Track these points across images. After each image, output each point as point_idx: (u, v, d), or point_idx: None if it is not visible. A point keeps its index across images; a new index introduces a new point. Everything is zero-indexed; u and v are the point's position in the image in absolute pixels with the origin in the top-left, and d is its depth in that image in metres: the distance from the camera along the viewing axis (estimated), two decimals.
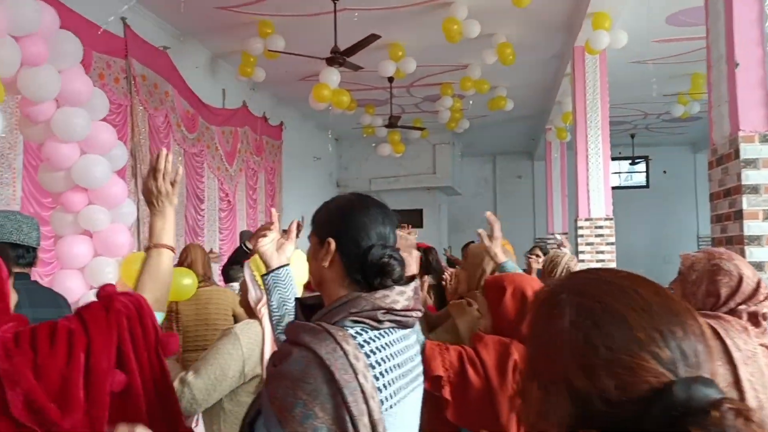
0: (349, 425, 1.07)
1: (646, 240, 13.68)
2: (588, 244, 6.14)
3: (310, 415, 1.06)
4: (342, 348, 1.12)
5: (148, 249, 1.53)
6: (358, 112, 9.19)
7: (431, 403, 1.41)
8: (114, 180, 3.09)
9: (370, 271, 1.24)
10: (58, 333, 1.20)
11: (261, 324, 2.01)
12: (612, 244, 6.18)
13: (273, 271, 1.70)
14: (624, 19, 5.85)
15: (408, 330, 1.29)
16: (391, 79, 7.99)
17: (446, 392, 1.69)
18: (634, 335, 0.72)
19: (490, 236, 2.35)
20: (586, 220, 6.21)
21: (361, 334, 1.18)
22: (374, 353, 1.17)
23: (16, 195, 4.17)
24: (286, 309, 1.65)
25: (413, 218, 12.64)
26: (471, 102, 9.12)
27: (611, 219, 6.25)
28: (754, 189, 2.14)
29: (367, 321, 1.20)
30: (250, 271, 2.06)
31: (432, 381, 1.68)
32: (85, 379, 1.17)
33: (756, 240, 2.15)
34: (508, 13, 6.05)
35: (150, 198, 1.55)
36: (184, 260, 3.16)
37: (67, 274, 2.98)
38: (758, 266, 2.16)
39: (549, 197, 11.28)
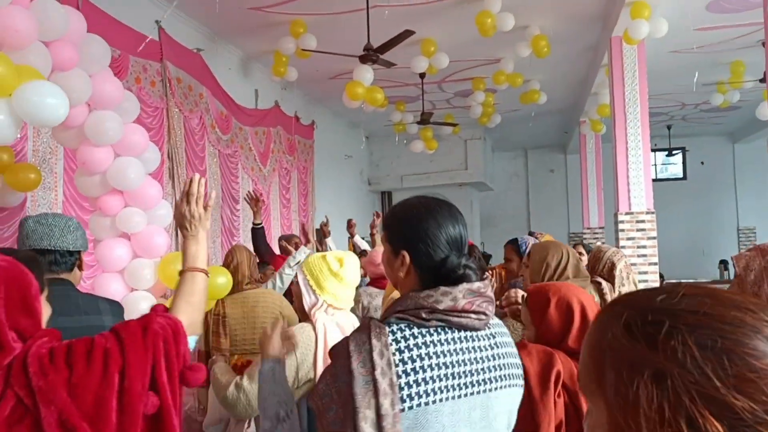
0: (352, 413, 1.14)
1: (683, 233, 13.34)
2: (629, 238, 6.00)
3: (328, 394, 1.18)
4: (370, 342, 1.18)
5: (182, 273, 1.55)
6: (388, 110, 9.13)
7: None
8: (149, 182, 3.10)
9: (444, 282, 1.26)
10: (94, 351, 1.21)
11: (314, 328, 1.99)
12: (654, 238, 6.02)
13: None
14: (663, 8, 5.69)
15: (473, 332, 1.27)
16: (422, 75, 7.91)
17: None
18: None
19: None
20: (627, 214, 6.06)
21: (402, 330, 1.21)
22: (411, 349, 1.19)
23: (58, 199, 4.22)
24: None
25: None
26: (503, 96, 9.00)
27: (653, 213, 6.10)
28: None
29: (411, 318, 1.23)
30: (304, 275, 2.04)
31: None
32: (118, 401, 1.18)
33: None
34: (543, 4, 5.94)
35: (183, 222, 1.58)
36: (230, 263, 3.15)
37: (107, 278, 2.99)
38: None
39: (584, 191, 11.08)
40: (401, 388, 1.17)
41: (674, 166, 14.23)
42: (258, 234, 5.26)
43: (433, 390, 1.19)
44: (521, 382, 1.36)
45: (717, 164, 13.72)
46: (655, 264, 5.98)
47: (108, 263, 2.94)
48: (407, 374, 1.18)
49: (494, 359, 1.28)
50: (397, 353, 1.19)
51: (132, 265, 2.97)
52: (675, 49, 7.37)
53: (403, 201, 1.40)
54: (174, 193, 5.35)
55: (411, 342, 1.21)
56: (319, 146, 9.77)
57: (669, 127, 12.35)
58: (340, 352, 1.22)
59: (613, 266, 3.13)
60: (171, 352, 1.28)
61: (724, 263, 12.36)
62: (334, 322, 2.03)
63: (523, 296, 2.00)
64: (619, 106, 6.18)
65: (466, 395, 1.23)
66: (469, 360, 1.25)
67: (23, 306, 1.17)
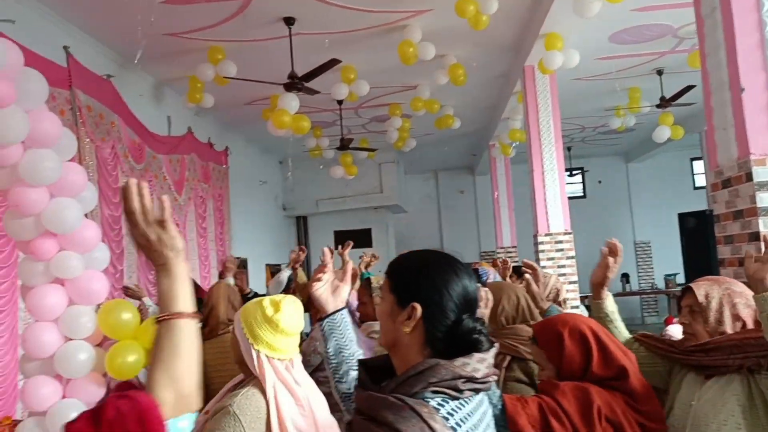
0: None
1: (584, 249, 14.04)
2: (549, 258, 6.25)
3: None
4: (430, 427, 1.06)
5: (157, 322, 1.13)
6: (305, 135, 9.06)
7: None
8: (86, 223, 2.88)
9: (456, 345, 1.18)
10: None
11: (264, 393, 1.80)
12: (572, 257, 6.31)
13: (329, 316, 1.50)
14: (572, 39, 6.03)
15: (481, 393, 1.24)
16: (340, 101, 7.95)
17: None
18: None
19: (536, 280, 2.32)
20: (546, 235, 6.32)
21: (443, 406, 1.12)
22: (459, 426, 1.12)
23: None
24: (343, 356, 1.48)
25: (362, 238, 12.59)
26: (418, 121, 9.18)
27: (570, 233, 6.39)
28: None
29: (448, 391, 1.14)
30: (239, 323, 1.91)
31: None
32: None
33: None
34: (461, 34, 6.12)
35: (146, 253, 1.15)
36: (205, 305, 2.95)
37: (40, 327, 2.74)
38: None
39: (496, 212, 11.46)
40: None
41: (574, 185, 15.02)
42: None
43: None
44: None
45: (613, 182, 14.63)
46: (575, 282, 6.25)
47: (41, 312, 2.69)
48: None
49: (491, 418, 1.28)
50: (456, 430, 1.11)
51: (68, 313, 2.73)
52: (578, 76, 7.82)
53: (412, 252, 1.33)
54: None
55: (457, 416, 1.13)
56: (233, 172, 9.54)
57: (569, 149, 13.05)
58: None
59: (558, 293, 3.24)
60: None
61: (625, 276, 13.15)
62: (287, 384, 1.84)
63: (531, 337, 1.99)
64: (534, 131, 6.47)
65: None
66: (487, 425, 1.23)
67: None
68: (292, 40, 5.64)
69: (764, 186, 2.21)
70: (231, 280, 4.87)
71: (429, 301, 1.20)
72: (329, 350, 1.49)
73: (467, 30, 5.45)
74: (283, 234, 12.50)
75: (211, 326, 2.90)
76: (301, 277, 4.81)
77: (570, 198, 14.83)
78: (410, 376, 1.15)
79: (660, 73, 7.81)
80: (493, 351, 1.21)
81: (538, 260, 6.33)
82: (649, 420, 1.68)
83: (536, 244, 6.38)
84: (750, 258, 1.74)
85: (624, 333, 2.21)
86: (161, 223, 1.13)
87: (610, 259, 2.15)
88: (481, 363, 1.17)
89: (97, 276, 2.90)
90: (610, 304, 2.21)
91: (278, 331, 1.85)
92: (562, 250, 6.26)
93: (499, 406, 1.54)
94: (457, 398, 1.14)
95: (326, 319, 1.50)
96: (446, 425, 1.08)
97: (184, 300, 1.14)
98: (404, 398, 1.11)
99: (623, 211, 14.52)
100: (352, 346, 1.48)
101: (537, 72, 6.35)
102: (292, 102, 5.65)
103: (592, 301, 2.26)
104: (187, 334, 1.12)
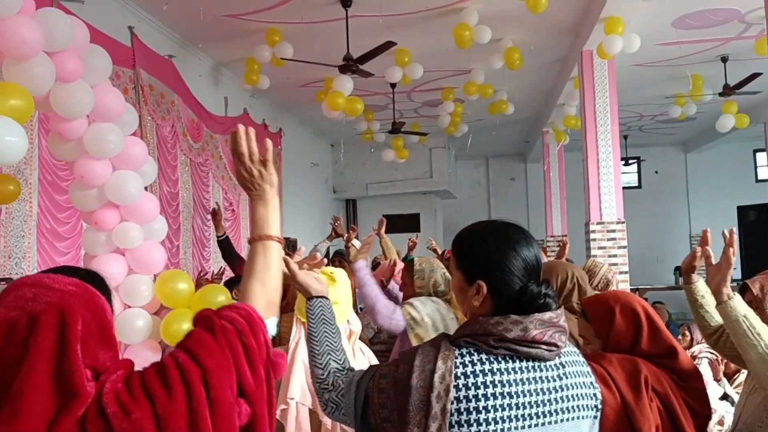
0: (402, 425, 1.22)
1: (639, 241, 13.69)
2: (600, 248, 6.14)
3: (384, 391, 1.26)
4: (435, 362, 1.22)
5: (251, 242, 1.31)
6: (356, 118, 9.12)
7: None
8: (146, 196, 3.00)
9: (527, 309, 1.24)
10: (168, 373, 1.01)
11: None
12: (624, 247, 6.19)
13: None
14: (634, 23, 5.86)
15: (540, 362, 1.25)
16: (393, 85, 7.94)
17: None
18: None
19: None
20: (598, 223, 6.20)
21: (471, 354, 1.23)
22: (476, 376, 1.20)
23: (33, 211, 4.05)
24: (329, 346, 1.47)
25: (410, 223, 12.61)
26: (471, 106, 9.11)
27: (623, 222, 6.26)
28: None
29: (479, 344, 1.24)
30: None
31: None
32: (211, 419, 0.98)
33: None
34: (518, 18, 6.03)
35: (244, 183, 1.32)
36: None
37: None
38: None
39: (548, 200, 11.29)
40: (452, 414, 1.18)
41: (630, 175, 14.64)
42: (224, 246, 5.01)
43: (494, 419, 1.19)
44: (593, 413, 1.32)
45: (670, 173, 14.19)
46: (626, 272, 6.14)
47: None
48: (468, 400, 1.19)
49: (561, 390, 1.26)
50: (461, 378, 1.21)
51: (128, 282, 2.86)
52: (638, 62, 7.60)
53: (473, 225, 1.37)
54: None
55: (477, 368, 1.22)
56: (286, 154, 9.68)
57: (626, 137, 12.71)
58: (406, 360, 1.27)
59: (608, 283, 3.20)
60: (251, 346, 1.06)
61: (679, 270, 12.75)
62: None
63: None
64: (590, 118, 6.33)
65: (529, 426, 1.22)
66: (534, 391, 1.23)
67: (101, 337, 1.01)
68: (348, 22, 5.67)
69: None
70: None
71: (491, 278, 1.28)
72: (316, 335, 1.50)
73: (525, 13, 5.37)
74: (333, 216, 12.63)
75: (287, 300, 2.99)
76: (354, 255, 4.79)
77: (625, 188, 14.53)
78: (459, 328, 1.30)
79: (725, 60, 7.51)
80: (537, 316, 1.23)
81: (589, 249, 6.23)
82: (693, 399, 1.70)
83: (588, 232, 6.27)
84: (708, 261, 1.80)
85: (716, 317, 2.14)
86: (264, 162, 1.31)
87: (699, 249, 2.03)
88: (515, 325, 1.21)
89: (156, 246, 3.02)
90: (701, 287, 2.06)
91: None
92: (614, 239, 6.14)
93: None
94: (489, 352, 1.23)
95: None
96: (452, 369, 1.21)
97: (276, 226, 1.32)
98: (444, 340, 1.28)
99: (680, 202, 14.09)
100: (338, 339, 1.49)
101: (595, 57, 6.20)
102: (346, 84, 5.69)
103: (684, 285, 2.18)
104: (277, 254, 1.30)
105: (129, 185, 2.82)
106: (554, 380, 1.26)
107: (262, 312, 1.17)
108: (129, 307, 2.93)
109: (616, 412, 1.62)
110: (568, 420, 1.26)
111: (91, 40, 2.65)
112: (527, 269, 1.27)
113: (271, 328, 1.23)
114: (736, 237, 1.84)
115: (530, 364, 1.24)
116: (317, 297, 1.53)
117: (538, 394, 1.23)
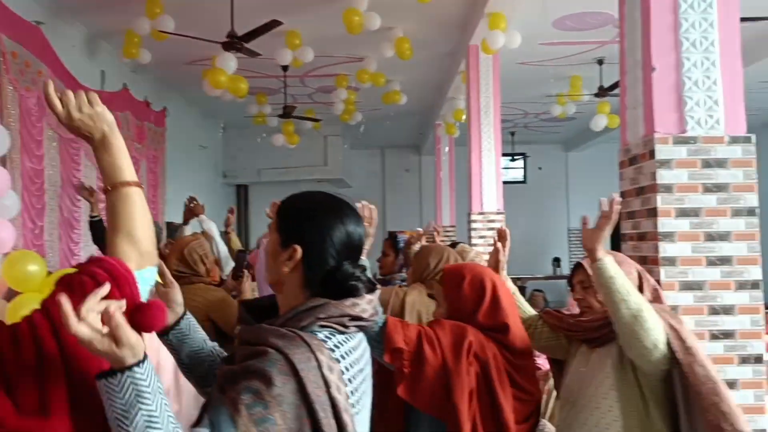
0: None
1: (521, 232, 14.35)
2: (481, 237, 6.35)
3: (270, 419, 1.02)
4: (316, 358, 1.09)
5: (106, 193, 1.19)
6: (247, 100, 8.88)
7: (378, 383, 1.39)
8: None
9: (333, 289, 1.21)
10: (19, 331, 0.99)
11: None
12: None
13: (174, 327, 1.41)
14: (516, 21, 6.07)
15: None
16: (285, 68, 7.80)
17: (405, 365, 1.70)
18: None
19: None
20: (479, 213, 6.41)
21: (330, 339, 1.16)
22: (344, 358, 1.17)
23: None
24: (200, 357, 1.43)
25: None
26: (365, 95, 9.12)
27: (502, 213, 6.50)
28: (668, 188, 2.29)
29: (334, 326, 1.18)
30: None
31: (392, 353, 1.70)
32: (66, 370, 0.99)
33: (668, 236, 2.30)
34: (408, 7, 6.07)
35: (78, 132, 1.18)
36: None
37: None
38: (671, 261, 2.31)
39: (438, 191, 11.56)
40: (348, 397, 1.14)
41: (516, 171, 15.27)
42: (96, 227, 4.69)
43: (361, 397, 1.21)
44: None
45: (552, 170, 14.95)
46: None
47: None
48: (351, 382, 1.17)
49: (369, 355, 1.33)
50: (340, 361, 1.15)
51: None
52: (522, 60, 7.91)
53: (306, 192, 1.32)
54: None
55: (342, 349, 1.18)
56: (171, 135, 9.27)
57: (512, 134, 13.24)
58: (279, 370, 1.04)
59: None
60: (114, 299, 1.00)
61: (557, 260, 13.54)
62: None
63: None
64: (475, 112, 6.51)
65: (368, 397, 1.26)
66: (367, 361, 1.28)
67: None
68: None
69: (665, 164, 2.30)
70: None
71: (309, 245, 1.21)
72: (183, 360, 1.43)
73: (414, 3, 5.41)
74: (223, 202, 12.26)
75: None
76: (235, 242, 4.65)
77: (511, 183, 15.20)
78: (299, 312, 1.17)
79: (600, 62, 7.98)
80: (377, 293, 1.27)
81: (470, 238, 6.42)
82: (517, 372, 1.79)
83: (469, 222, 6.47)
84: (585, 227, 1.83)
85: (527, 310, 2.30)
86: (90, 102, 1.17)
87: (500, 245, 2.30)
88: (369, 304, 1.23)
89: (4, 224, 2.78)
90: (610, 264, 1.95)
91: None
92: (494, 229, 6.35)
93: (380, 323, 1.64)
94: (343, 333, 1.19)
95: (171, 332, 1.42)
96: (332, 356, 1.13)
97: (129, 170, 1.19)
98: (294, 330, 1.13)
99: (560, 198, 14.88)
100: (205, 346, 1.44)
101: (481, 52, 6.37)
102: (229, 62, 5.50)
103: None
104: (139, 200, 1.19)
105: None
106: (367, 347, 1.31)
107: (135, 265, 1.12)
108: None
109: (436, 372, 1.71)
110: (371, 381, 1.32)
111: None
112: (348, 245, 1.23)
113: (151, 277, 1.19)
114: (618, 207, 1.84)
115: (361, 335, 1.29)
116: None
117: (368, 364, 1.28)
